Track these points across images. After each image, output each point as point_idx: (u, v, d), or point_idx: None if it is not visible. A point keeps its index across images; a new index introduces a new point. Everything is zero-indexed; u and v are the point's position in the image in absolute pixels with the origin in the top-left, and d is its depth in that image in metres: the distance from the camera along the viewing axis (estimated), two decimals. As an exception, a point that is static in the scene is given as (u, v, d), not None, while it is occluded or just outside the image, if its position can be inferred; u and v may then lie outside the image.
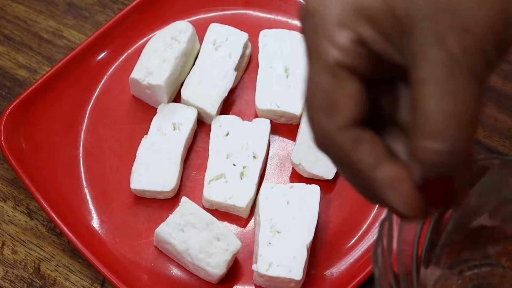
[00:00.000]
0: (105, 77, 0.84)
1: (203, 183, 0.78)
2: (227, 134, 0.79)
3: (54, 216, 0.74)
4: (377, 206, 0.78)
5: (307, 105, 0.43)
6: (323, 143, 0.45)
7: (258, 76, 0.82)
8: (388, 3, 0.40)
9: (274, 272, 0.71)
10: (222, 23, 0.85)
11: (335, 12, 0.41)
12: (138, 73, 0.81)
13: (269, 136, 0.80)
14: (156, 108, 0.82)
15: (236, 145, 0.79)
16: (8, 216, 0.78)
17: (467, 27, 0.38)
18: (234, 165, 0.77)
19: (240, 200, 0.76)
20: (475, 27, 0.38)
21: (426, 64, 0.39)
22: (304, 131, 0.79)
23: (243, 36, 0.84)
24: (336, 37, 0.41)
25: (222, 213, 0.77)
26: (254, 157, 0.78)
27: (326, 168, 0.78)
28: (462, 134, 0.38)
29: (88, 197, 0.78)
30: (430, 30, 0.39)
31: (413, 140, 0.40)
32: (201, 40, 0.85)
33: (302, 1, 0.86)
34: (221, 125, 0.80)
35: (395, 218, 0.51)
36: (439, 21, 0.38)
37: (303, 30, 0.43)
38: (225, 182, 0.77)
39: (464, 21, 0.38)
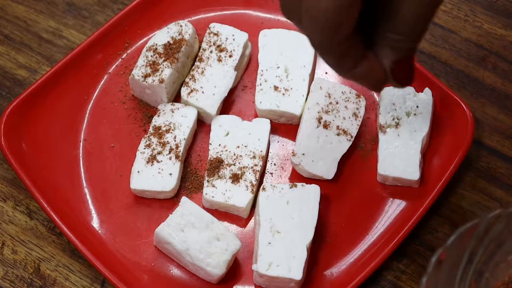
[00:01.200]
0: (105, 77, 0.84)
1: (203, 183, 0.78)
2: (227, 134, 0.79)
3: (54, 216, 0.74)
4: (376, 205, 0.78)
5: (312, 19, 0.53)
6: (320, 46, 0.55)
7: (258, 76, 0.82)
8: None
9: (274, 272, 0.71)
10: (222, 23, 0.85)
11: None
12: (138, 73, 0.81)
13: (269, 136, 0.80)
14: (156, 108, 0.82)
15: (236, 145, 0.79)
16: (8, 216, 0.78)
17: None
18: (234, 165, 0.77)
19: (240, 200, 0.76)
20: None
21: None
22: (304, 131, 0.79)
23: (243, 36, 0.84)
24: None
25: (222, 213, 0.77)
26: (254, 157, 0.78)
27: (326, 168, 0.78)
28: (425, 27, 0.55)
29: (88, 197, 0.78)
30: None
31: (391, 35, 0.55)
32: (201, 40, 0.85)
33: None
34: (221, 125, 0.80)
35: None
36: None
37: None
38: (225, 182, 0.77)
39: None
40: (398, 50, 0.56)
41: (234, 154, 0.78)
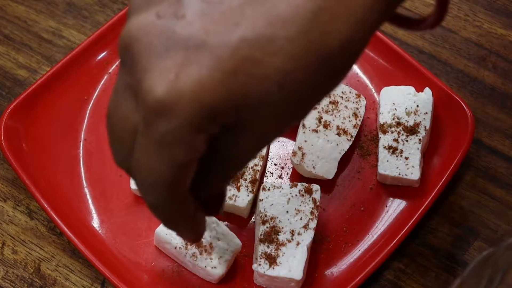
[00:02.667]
0: (105, 77, 0.84)
1: (203, 183, 0.78)
2: (227, 134, 0.79)
3: (54, 216, 0.74)
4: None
5: (145, 181, 0.49)
6: (155, 206, 0.51)
7: (258, 76, 0.82)
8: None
9: (274, 272, 0.71)
10: (222, 22, 0.85)
11: (189, 116, 0.45)
12: (138, 73, 0.81)
13: (269, 135, 0.80)
14: (156, 108, 0.82)
15: (236, 145, 0.79)
16: (8, 216, 0.78)
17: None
18: (234, 165, 0.77)
19: (240, 200, 0.76)
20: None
21: None
22: (304, 130, 0.79)
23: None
24: (193, 140, 0.46)
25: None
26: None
27: (326, 168, 0.78)
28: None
29: (88, 197, 0.78)
30: None
31: (217, 177, 0.52)
32: (201, 40, 0.85)
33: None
34: (221, 125, 0.80)
35: None
36: None
37: (155, 127, 0.46)
38: (225, 182, 0.77)
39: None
40: (217, 188, 0.53)
41: (234, 154, 0.78)
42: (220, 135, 0.48)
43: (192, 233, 0.54)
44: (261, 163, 0.78)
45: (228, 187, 0.76)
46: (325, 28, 0.46)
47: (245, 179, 0.77)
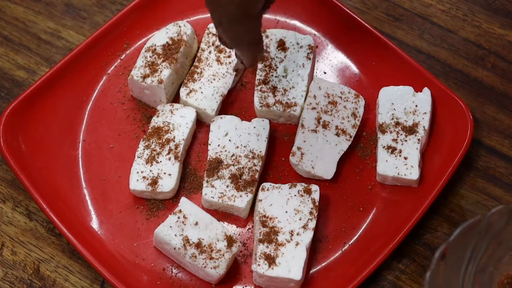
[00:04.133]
0: (104, 78, 0.84)
1: (202, 184, 0.78)
2: (226, 134, 0.79)
3: (53, 217, 0.74)
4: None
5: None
6: (233, 20, 0.68)
7: (257, 76, 0.82)
8: None
9: (273, 272, 0.71)
10: (220, 23, 0.85)
11: None
12: (137, 73, 0.81)
13: (268, 136, 0.80)
14: (155, 109, 0.82)
15: (235, 145, 0.79)
16: (8, 217, 0.78)
17: None
18: (233, 165, 0.77)
19: (239, 201, 0.76)
20: None
21: None
22: (303, 131, 0.79)
23: (242, 36, 0.84)
24: None
25: (221, 213, 0.77)
26: (253, 157, 0.78)
27: (325, 168, 0.78)
28: None
29: (87, 198, 0.78)
30: None
31: None
32: (199, 41, 0.85)
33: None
34: (220, 126, 0.80)
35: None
36: None
37: None
38: (224, 183, 0.77)
39: None
40: None
41: (233, 155, 0.78)
42: None
43: (253, 52, 0.69)
44: (260, 163, 0.78)
45: (228, 188, 0.76)
46: None
47: (244, 180, 0.77)
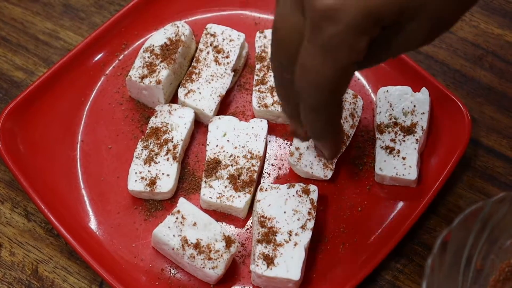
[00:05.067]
0: (102, 78, 0.84)
1: (200, 184, 0.78)
2: (224, 134, 0.79)
3: (51, 217, 0.74)
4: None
5: (310, 81, 0.54)
6: (315, 106, 0.57)
7: (255, 77, 0.82)
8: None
9: (272, 272, 0.71)
10: (219, 23, 0.85)
11: (354, 19, 0.51)
12: (135, 74, 0.81)
13: (267, 136, 0.80)
14: (153, 109, 0.82)
15: (234, 146, 0.79)
16: (6, 218, 0.78)
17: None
18: (231, 165, 0.77)
19: (237, 201, 0.76)
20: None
21: None
22: (301, 131, 0.79)
23: (240, 37, 0.84)
24: (357, 43, 0.51)
25: (219, 214, 0.77)
26: (251, 157, 0.78)
27: (323, 168, 0.78)
28: None
29: (86, 198, 0.78)
30: None
31: None
32: (197, 41, 0.85)
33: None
34: (218, 126, 0.80)
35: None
36: None
37: (322, 31, 0.51)
38: (223, 183, 0.77)
39: None
40: None
41: (232, 155, 0.78)
42: (377, 37, 0.53)
43: (337, 144, 0.62)
44: (258, 163, 0.78)
45: (226, 188, 0.76)
46: None
47: (243, 180, 0.77)
